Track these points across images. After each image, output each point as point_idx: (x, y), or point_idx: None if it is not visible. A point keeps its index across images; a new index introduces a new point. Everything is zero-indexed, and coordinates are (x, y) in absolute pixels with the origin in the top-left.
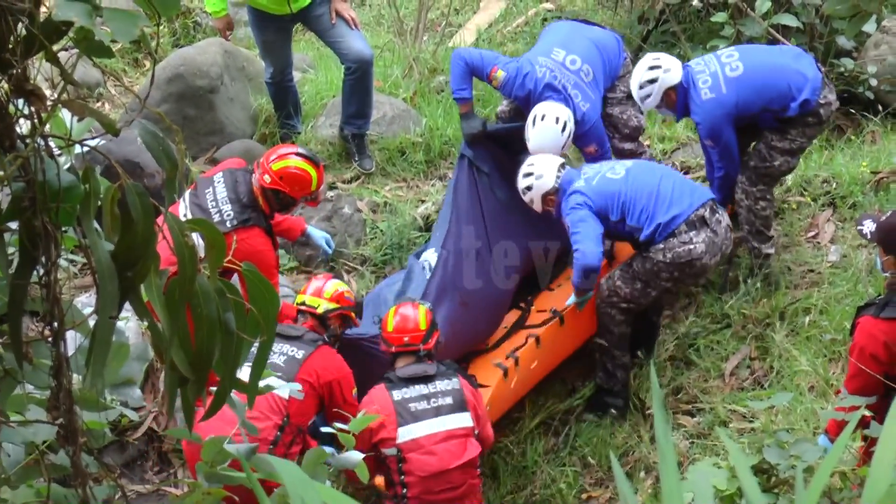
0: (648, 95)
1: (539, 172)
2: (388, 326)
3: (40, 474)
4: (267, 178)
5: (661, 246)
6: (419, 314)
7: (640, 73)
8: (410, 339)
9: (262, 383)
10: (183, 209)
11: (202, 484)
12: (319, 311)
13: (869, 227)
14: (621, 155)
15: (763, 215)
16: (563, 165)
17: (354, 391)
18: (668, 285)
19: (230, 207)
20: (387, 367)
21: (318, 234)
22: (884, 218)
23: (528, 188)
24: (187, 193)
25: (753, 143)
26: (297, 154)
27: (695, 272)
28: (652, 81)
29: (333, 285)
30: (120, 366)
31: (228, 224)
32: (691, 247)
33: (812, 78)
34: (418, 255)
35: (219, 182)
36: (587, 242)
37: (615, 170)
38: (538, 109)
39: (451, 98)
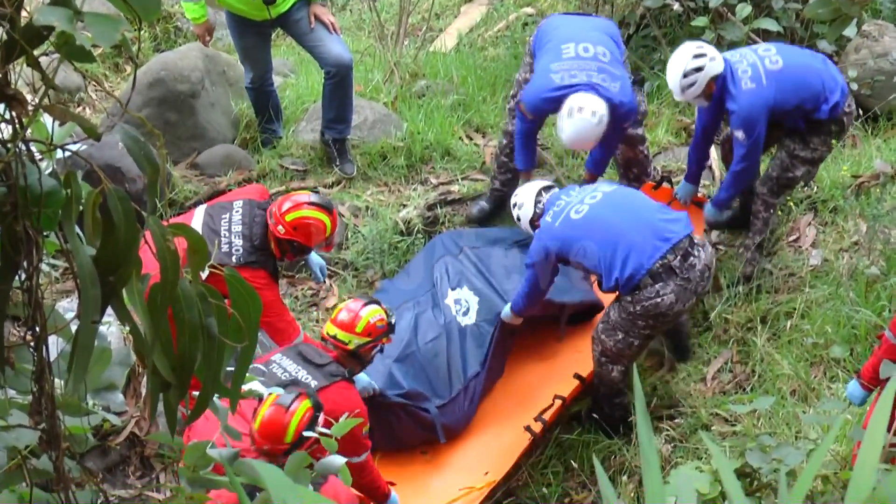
0: (692, 84)
1: (520, 202)
2: (255, 422)
3: (23, 479)
4: (281, 228)
5: (630, 298)
6: (292, 420)
7: (683, 61)
8: (270, 449)
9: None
10: (196, 224)
11: (185, 488)
12: (351, 347)
13: None
14: (633, 140)
15: (773, 229)
16: (545, 189)
17: (366, 429)
18: (647, 333)
19: (241, 243)
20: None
21: (316, 261)
22: None
23: (518, 219)
24: (203, 207)
25: (774, 153)
26: (310, 203)
27: (669, 320)
28: (698, 70)
29: (365, 318)
30: (102, 371)
31: (234, 259)
32: (659, 300)
33: (842, 84)
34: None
35: (237, 211)
36: (531, 289)
37: (581, 207)
38: (573, 101)
39: (431, 102)
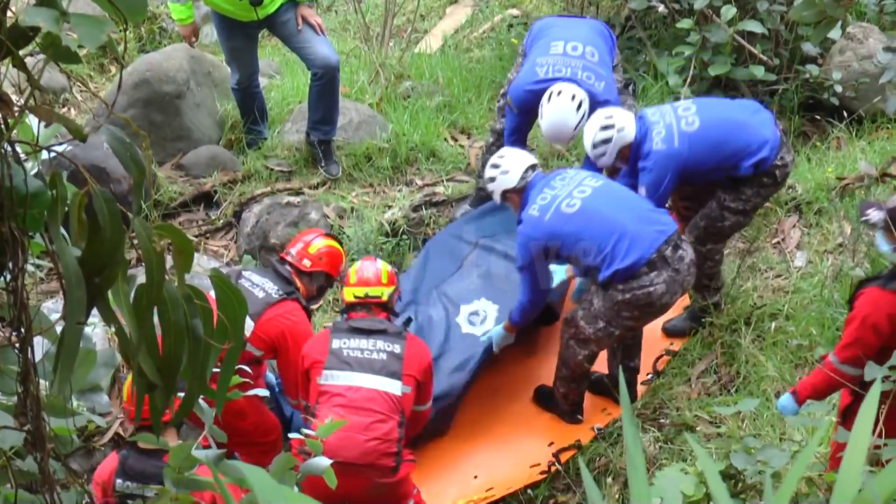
0: (603, 154)
1: (506, 168)
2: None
3: (7, 480)
4: (307, 262)
5: (620, 287)
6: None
7: (593, 132)
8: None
9: None
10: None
11: (170, 490)
12: (385, 298)
13: (876, 215)
14: None
15: (710, 273)
16: (533, 167)
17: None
18: (629, 323)
19: (273, 285)
20: None
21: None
22: (892, 205)
23: (492, 179)
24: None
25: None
26: (323, 235)
27: (655, 311)
28: (606, 141)
29: (384, 268)
30: (87, 372)
31: (275, 295)
32: (651, 289)
33: (771, 138)
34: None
35: (252, 273)
36: (533, 293)
37: (571, 201)
38: (553, 87)
39: (416, 104)
